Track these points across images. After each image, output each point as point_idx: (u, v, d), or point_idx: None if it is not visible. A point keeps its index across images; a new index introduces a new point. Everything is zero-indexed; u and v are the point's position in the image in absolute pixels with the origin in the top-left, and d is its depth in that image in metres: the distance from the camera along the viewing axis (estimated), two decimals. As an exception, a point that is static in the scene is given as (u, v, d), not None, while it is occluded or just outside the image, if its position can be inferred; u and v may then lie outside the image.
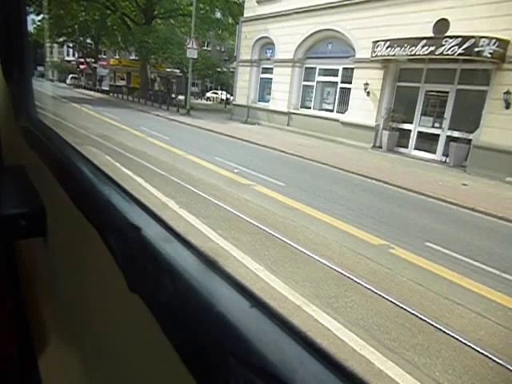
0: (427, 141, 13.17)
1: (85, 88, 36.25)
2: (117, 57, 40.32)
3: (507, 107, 10.60)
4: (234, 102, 22.30)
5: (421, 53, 11.94)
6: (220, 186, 7.09)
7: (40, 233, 1.08)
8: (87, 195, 0.70)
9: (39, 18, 30.89)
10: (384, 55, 13.20)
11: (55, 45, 38.72)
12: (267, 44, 19.40)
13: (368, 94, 14.38)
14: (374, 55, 13.60)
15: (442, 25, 11.75)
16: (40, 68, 38.87)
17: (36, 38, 32.15)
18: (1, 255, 1.40)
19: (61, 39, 34.22)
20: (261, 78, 20.31)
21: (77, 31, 32.94)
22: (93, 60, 39.43)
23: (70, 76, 41.65)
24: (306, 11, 16.50)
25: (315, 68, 17.44)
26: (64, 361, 0.98)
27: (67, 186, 0.83)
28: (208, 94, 42.01)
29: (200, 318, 0.35)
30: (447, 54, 11.24)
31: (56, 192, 0.87)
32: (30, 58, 1.65)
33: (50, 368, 1.19)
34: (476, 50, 10.66)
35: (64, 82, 41.42)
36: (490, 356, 2.81)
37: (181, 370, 0.34)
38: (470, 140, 11.50)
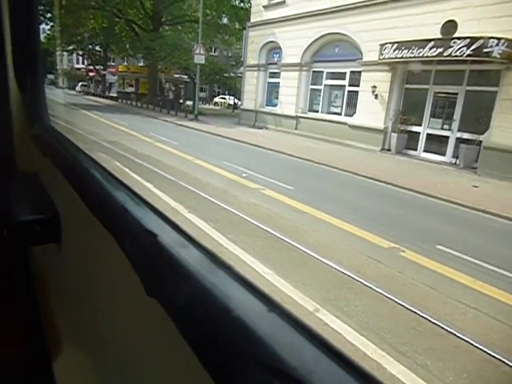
0: (436, 143, 13.06)
1: (94, 95, 36.66)
2: (125, 63, 40.71)
3: (517, 108, 10.49)
4: (241, 107, 22.37)
5: (429, 54, 11.88)
6: (229, 190, 7.11)
7: (55, 239, 1.09)
8: (101, 201, 0.72)
9: (48, 26, 31.39)
10: (392, 57, 13.16)
11: (65, 53, 39.22)
12: (274, 48, 19.45)
13: (376, 96, 14.33)
14: (381, 58, 13.56)
15: (449, 26, 11.69)
16: (50, 76, 39.41)
17: (46, 46, 32.64)
18: (16, 261, 1.42)
19: (70, 47, 34.64)
20: (268, 83, 20.36)
21: (86, 39, 33.35)
22: (102, 67, 39.86)
23: (80, 83, 42.15)
24: (313, 15, 16.52)
25: (322, 71, 17.44)
26: (79, 365, 1.00)
27: (81, 191, 0.84)
28: (216, 99, 42.17)
29: (217, 321, 0.35)
30: (456, 56, 11.16)
31: (70, 198, 0.88)
32: (42, 66, 1.68)
33: (65, 372, 1.21)
34: (485, 50, 10.57)
35: (74, 89, 41.92)
36: (505, 360, 2.77)
37: (200, 373, 0.35)
38: (481, 141, 11.38)
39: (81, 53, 38.86)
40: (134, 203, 0.65)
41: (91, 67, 40.34)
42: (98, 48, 38.02)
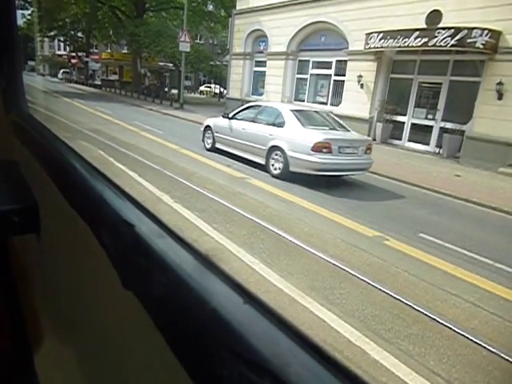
0: (421, 132, 13.22)
1: (76, 82, 35.91)
2: (108, 51, 39.88)
3: (500, 98, 10.65)
4: (227, 96, 22.18)
5: (414, 44, 11.94)
6: (214, 179, 7.08)
7: (33, 229, 1.07)
8: (80, 191, 0.70)
9: (29, 11, 30.51)
10: (377, 47, 13.18)
11: (46, 39, 38.20)
12: (260, 37, 19.28)
13: (361, 86, 14.37)
14: (367, 47, 13.57)
15: (434, 16, 11.74)
16: (31, 62, 38.45)
17: (26, 31, 31.76)
18: None
19: (51, 33, 33.70)
20: (254, 71, 20.21)
21: (67, 25, 32.50)
22: (84, 54, 38.99)
23: (62, 70, 41.22)
24: (299, 3, 16.40)
25: (308, 60, 17.38)
26: (59, 356, 0.99)
27: (59, 181, 0.82)
28: (201, 88, 41.77)
29: (194, 313, 0.35)
30: (440, 46, 11.25)
31: (48, 188, 0.86)
32: (20, 52, 1.62)
33: (46, 363, 1.19)
34: (469, 41, 10.67)
35: (55, 76, 41.00)
36: (484, 345, 2.85)
37: (175, 366, 0.34)
38: (463, 131, 11.56)
39: (62, 39, 37.85)
40: (112, 194, 0.64)
41: (73, 54, 39.39)
42: (80, 34, 37.12)
